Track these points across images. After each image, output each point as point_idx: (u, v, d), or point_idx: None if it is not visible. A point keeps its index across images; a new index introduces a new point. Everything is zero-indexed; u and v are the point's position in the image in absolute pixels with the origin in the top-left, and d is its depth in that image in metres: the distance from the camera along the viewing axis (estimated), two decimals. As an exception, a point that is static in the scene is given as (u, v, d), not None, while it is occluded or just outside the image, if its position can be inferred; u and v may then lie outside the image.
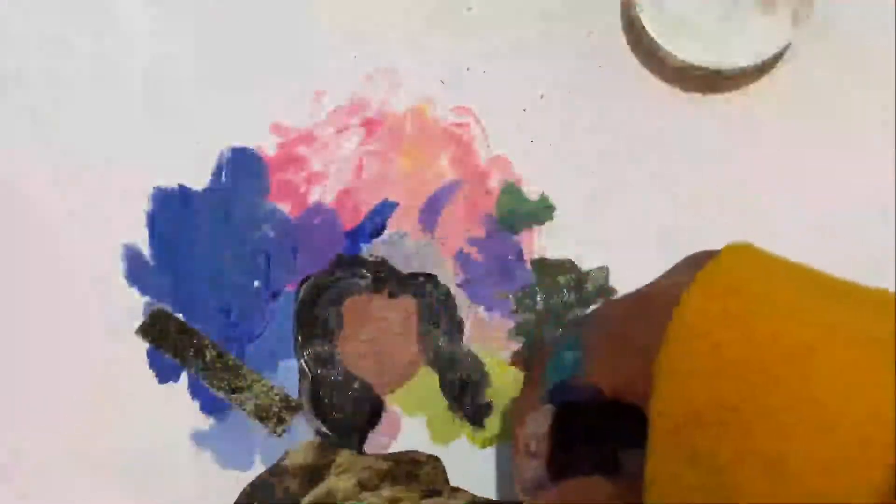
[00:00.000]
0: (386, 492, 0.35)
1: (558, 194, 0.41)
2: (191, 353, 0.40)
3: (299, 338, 0.39)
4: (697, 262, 0.28)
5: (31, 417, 0.38)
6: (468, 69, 0.42)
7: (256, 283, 0.40)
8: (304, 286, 0.40)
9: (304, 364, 0.39)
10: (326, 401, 0.39)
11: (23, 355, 0.40)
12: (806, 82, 0.42)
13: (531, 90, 0.42)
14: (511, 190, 0.41)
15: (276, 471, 0.37)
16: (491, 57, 0.42)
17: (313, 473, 0.36)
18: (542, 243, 0.41)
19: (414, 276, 0.40)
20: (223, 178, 0.41)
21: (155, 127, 0.42)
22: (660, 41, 0.40)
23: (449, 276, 0.40)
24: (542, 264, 0.40)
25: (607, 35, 0.42)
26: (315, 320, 0.40)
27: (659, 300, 0.27)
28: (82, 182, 0.41)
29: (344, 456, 0.37)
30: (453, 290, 0.40)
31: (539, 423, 0.32)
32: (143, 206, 0.41)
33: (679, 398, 0.25)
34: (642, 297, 0.30)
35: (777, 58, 0.41)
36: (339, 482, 0.36)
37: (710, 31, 0.40)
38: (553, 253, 0.41)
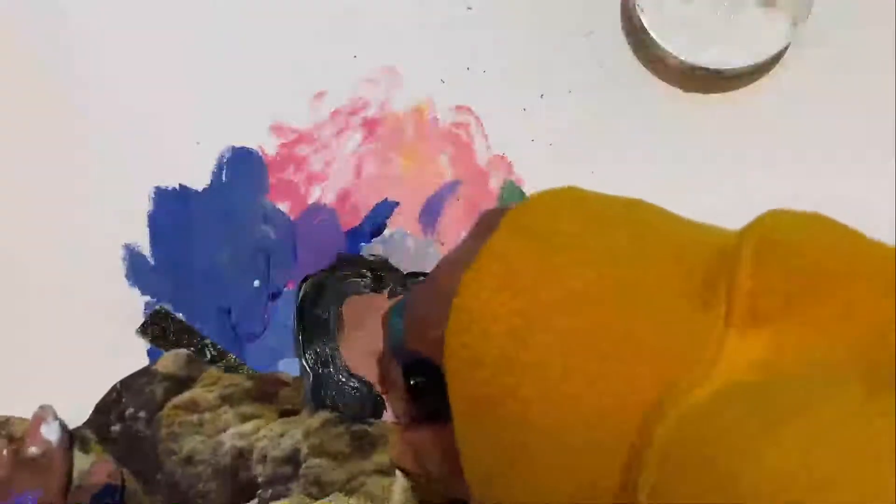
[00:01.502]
0: (246, 408, 0.37)
1: (558, 194, 0.41)
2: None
3: (299, 337, 0.39)
4: (481, 234, 0.28)
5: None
6: (468, 69, 0.42)
7: (256, 283, 0.40)
8: (305, 286, 0.40)
9: (304, 364, 0.39)
10: (327, 400, 0.39)
11: (23, 355, 0.39)
12: (806, 82, 0.42)
13: (531, 90, 0.42)
14: (511, 190, 0.41)
15: (146, 372, 0.38)
16: (491, 57, 0.42)
17: (181, 382, 0.38)
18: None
19: (414, 275, 0.40)
20: (223, 178, 0.41)
21: (155, 127, 0.42)
22: (660, 41, 0.40)
23: (449, 275, 0.40)
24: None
25: (607, 35, 0.42)
26: (315, 320, 0.40)
27: (444, 284, 0.28)
28: (82, 182, 0.41)
29: (211, 372, 0.38)
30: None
31: (397, 373, 0.37)
32: (144, 206, 0.41)
33: (460, 389, 0.26)
34: (434, 277, 0.31)
35: (777, 58, 0.41)
36: (203, 393, 0.37)
37: (710, 32, 0.40)
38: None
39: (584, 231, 0.26)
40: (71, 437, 0.37)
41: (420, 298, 0.32)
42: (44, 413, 0.37)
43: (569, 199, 0.28)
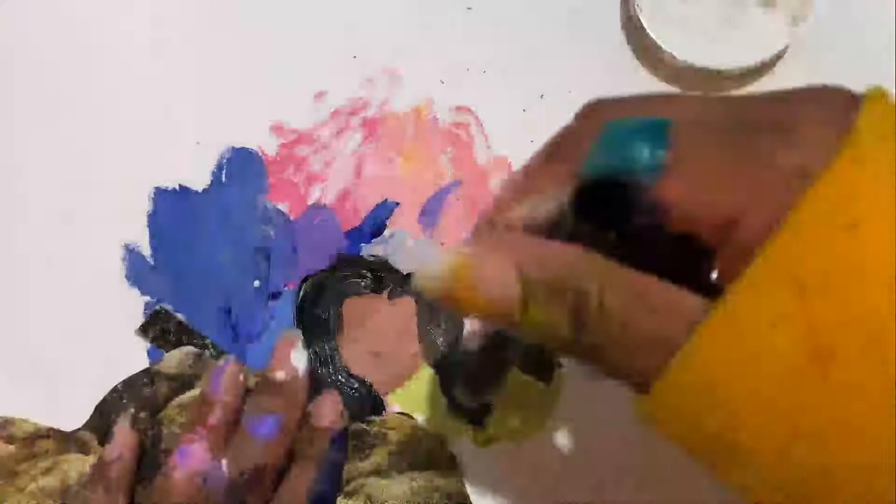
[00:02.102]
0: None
1: (558, 194, 0.41)
2: (191, 353, 0.40)
3: (299, 338, 0.40)
4: (837, 119, 0.20)
5: (32, 418, 0.38)
6: (468, 69, 0.42)
7: (256, 283, 0.40)
8: (305, 286, 0.40)
9: (304, 364, 0.39)
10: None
11: (23, 355, 0.39)
12: (806, 82, 0.42)
13: (531, 90, 0.42)
14: (511, 190, 0.41)
15: (148, 373, 0.38)
16: (491, 57, 0.42)
17: (183, 382, 0.38)
18: (542, 243, 0.41)
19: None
20: (223, 178, 0.41)
21: (155, 127, 0.42)
22: (660, 41, 0.40)
23: (449, 276, 0.40)
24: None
25: (607, 35, 0.42)
26: (315, 320, 0.40)
27: (801, 130, 0.20)
28: (82, 182, 0.41)
29: None
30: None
31: (547, 202, 0.22)
32: (143, 206, 0.41)
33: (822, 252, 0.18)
34: (772, 117, 0.21)
35: (777, 58, 0.41)
36: None
37: (711, 32, 0.40)
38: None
39: None
40: (313, 372, 0.35)
41: (733, 141, 0.21)
42: (293, 339, 0.34)
43: None
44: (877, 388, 0.18)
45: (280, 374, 0.33)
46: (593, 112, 0.24)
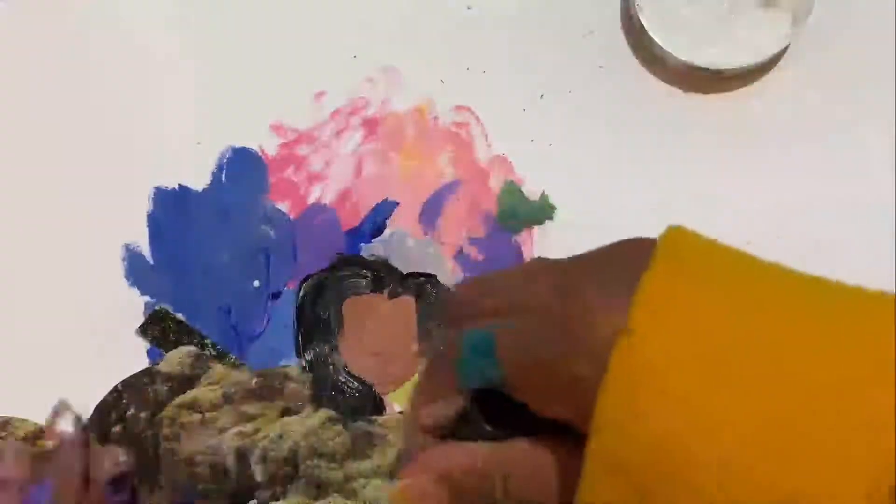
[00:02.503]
0: (248, 407, 0.37)
1: (558, 194, 0.41)
2: (191, 353, 0.40)
3: (299, 337, 0.39)
4: (629, 268, 0.24)
5: (32, 418, 0.38)
6: (468, 69, 0.42)
7: (256, 283, 0.40)
8: (305, 286, 0.40)
9: (304, 364, 0.39)
10: (327, 400, 0.39)
11: (23, 355, 0.39)
12: (806, 82, 0.42)
13: (531, 90, 0.42)
14: (511, 190, 0.41)
15: (148, 373, 0.38)
16: (491, 57, 0.42)
17: (184, 382, 0.37)
18: (542, 243, 0.41)
19: (414, 275, 0.40)
20: (223, 178, 0.41)
21: (155, 127, 0.42)
22: (660, 41, 0.40)
23: (449, 276, 0.40)
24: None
25: (607, 35, 0.42)
26: (315, 320, 0.40)
27: (583, 325, 0.23)
28: (82, 182, 0.41)
29: (216, 369, 0.38)
30: (453, 290, 0.40)
31: (448, 408, 0.28)
32: (143, 206, 0.41)
33: (629, 440, 0.22)
34: (564, 317, 0.24)
35: (777, 58, 0.41)
36: (206, 392, 0.37)
37: (711, 31, 0.40)
38: (553, 253, 0.40)
39: (749, 277, 0.23)
40: (86, 431, 0.37)
41: (538, 335, 0.25)
42: (60, 407, 0.37)
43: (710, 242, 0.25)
44: None
45: (49, 444, 0.36)
46: (457, 302, 0.29)
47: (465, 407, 0.27)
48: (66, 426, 0.36)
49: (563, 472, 0.25)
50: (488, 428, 0.27)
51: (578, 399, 0.23)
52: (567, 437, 0.24)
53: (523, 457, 0.26)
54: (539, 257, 0.37)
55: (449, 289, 0.32)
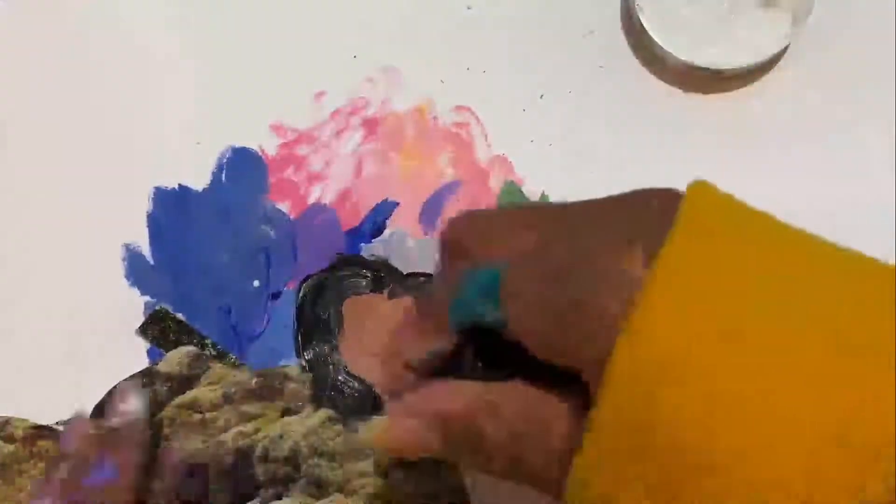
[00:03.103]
0: (248, 407, 0.37)
1: (558, 194, 0.41)
2: (191, 353, 0.40)
3: (299, 337, 0.39)
4: (651, 220, 0.23)
5: (32, 418, 0.38)
6: (468, 69, 0.42)
7: (256, 283, 0.40)
8: (305, 286, 0.40)
9: (304, 364, 0.39)
10: (326, 400, 0.39)
11: (23, 355, 0.39)
12: (806, 82, 0.42)
13: (531, 90, 0.42)
14: (511, 190, 0.41)
15: (148, 373, 0.38)
16: (491, 57, 0.42)
17: (184, 382, 0.37)
18: (542, 243, 0.41)
19: (414, 275, 0.40)
20: (223, 178, 0.41)
21: (155, 127, 0.42)
22: (660, 41, 0.40)
23: (449, 276, 0.40)
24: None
25: (607, 35, 0.42)
26: (315, 320, 0.40)
27: (607, 264, 0.22)
28: (82, 182, 0.41)
29: (216, 369, 0.38)
30: (453, 290, 0.40)
31: (436, 346, 0.26)
32: (143, 206, 0.41)
33: (642, 404, 0.21)
34: (589, 253, 0.23)
35: (777, 58, 0.41)
36: (206, 393, 0.37)
37: (710, 31, 0.40)
38: (553, 253, 0.41)
39: (778, 251, 0.22)
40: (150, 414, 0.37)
41: (550, 271, 0.23)
42: (127, 391, 0.36)
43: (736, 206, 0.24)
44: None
45: (114, 421, 0.35)
46: (454, 239, 0.27)
47: (454, 347, 0.25)
48: (132, 405, 0.36)
49: (561, 424, 0.23)
50: (480, 366, 0.25)
51: (592, 342, 0.21)
52: (566, 387, 0.23)
53: (519, 403, 0.24)
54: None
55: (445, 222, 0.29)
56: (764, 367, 0.20)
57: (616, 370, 0.21)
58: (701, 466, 0.20)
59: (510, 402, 0.24)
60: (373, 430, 0.27)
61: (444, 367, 0.26)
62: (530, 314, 0.23)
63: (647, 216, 0.23)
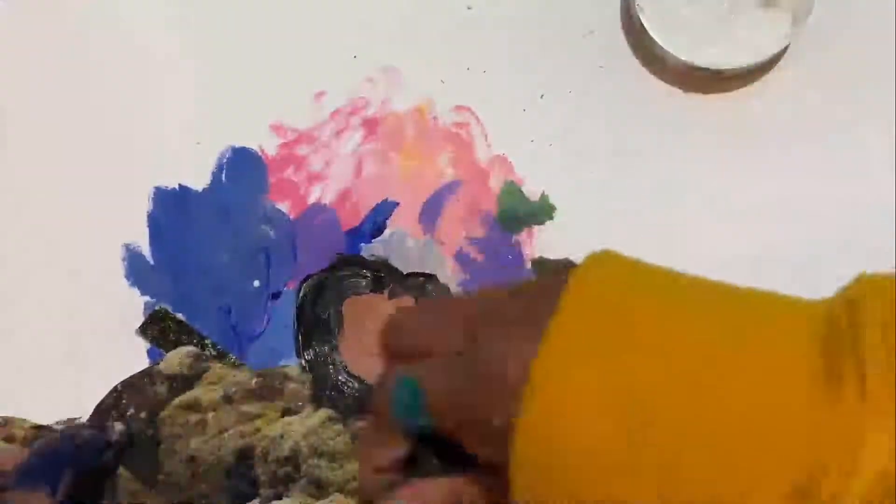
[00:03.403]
0: (248, 407, 0.37)
1: (558, 194, 0.41)
2: (191, 353, 0.40)
3: (299, 337, 0.39)
4: (539, 311, 0.24)
5: (32, 418, 0.38)
6: (468, 69, 0.42)
7: (256, 283, 0.40)
8: (305, 286, 0.40)
9: (304, 363, 0.39)
10: (326, 400, 0.39)
11: (23, 355, 0.39)
12: (806, 82, 0.42)
13: (531, 90, 0.42)
14: (511, 190, 0.41)
15: (148, 373, 0.38)
16: (491, 57, 0.42)
17: (184, 382, 0.38)
18: (542, 243, 0.41)
19: (414, 275, 0.40)
20: (223, 178, 0.41)
21: (155, 127, 0.42)
22: (660, 41, 0.40)
23: (449, 276, 0.40)
24: (542, 264, 0.40)
25: (607, 35, 0.42)
26: (315, 320, 0.40)
27: (494, 376, 0.23)
28: (82, 182, 0.41)
29: (216, 369, 0.38)
30: (453, 289, 0.40)
31: (396, 451, 0.28)
32: (143, 206, 0.41)
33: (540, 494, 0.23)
34: (476, 370, 0.24)
35: (777, 58, 0.41)
36: (206, 392, 0.37)
37: (710, 31, 0.40)
38: (553, 253, 0.41)
39: (668, 305, 0.23)
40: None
41: (457, 376, 0.25)
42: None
43: (631, 271, 0.25)
44: None
45: None
46: (384, 344, 0.29)
47: (412, 449, 0.27)
48: None
49: None
50: (436, 464, 0.28)
51: (497, 447, 0.23)
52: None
53: (479, 489, 0.27)
54: (538, 257, 0.37)
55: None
56: (653, 427, 0.21)
57: (516, 445, 0.22)
58: None
59: (473, 491, 0.27)
60: None
61: (411, 466, 0.28)
62: (447, 418, 0.25)
63: (542, 300, 0.25)
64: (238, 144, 0.41)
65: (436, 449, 0.28)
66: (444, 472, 0.27)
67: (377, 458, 0.28)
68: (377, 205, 0.41)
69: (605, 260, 0.25)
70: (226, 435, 0.37)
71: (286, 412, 0.37)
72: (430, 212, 0.41)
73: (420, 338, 0.28)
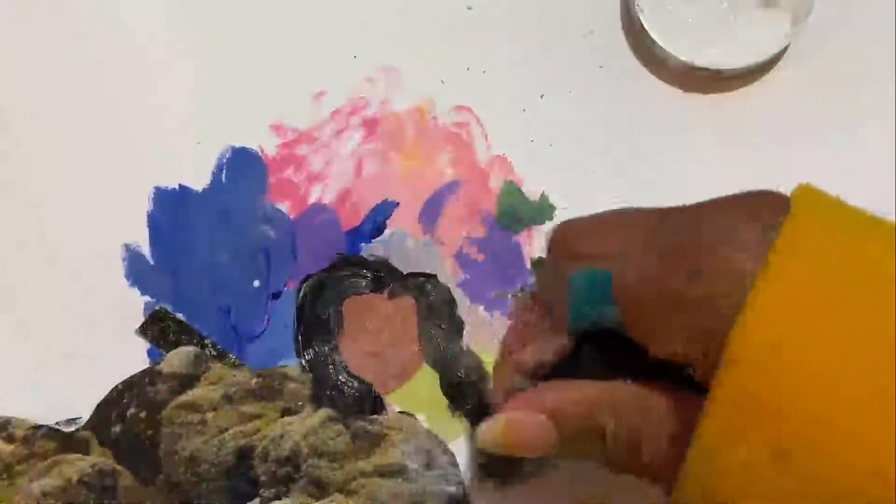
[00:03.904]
0: (248, 407, 0.37)
1: (558, 194, 0.41)
2: (191, 353, 0.40)
3: (299, 338, 0.40)
4: (765, 223, 0.24)
5: (32, 418, 0.38)
6: (468, 69, 0.42)
7: (256, 283, 0.40)
8: (305, 286, 0.40)
9: (304, 364, 0.39)
10: (326, 400, 0.39)
11: (23, 355, 0.39)
12: (806, 82, 0.42)
13: (531, 90, 0.42)
14: (511, 190, 0.41)
15: (149, 373, 0.38)
16: (491, 57, 0.42)
17: (184, 382, 0.37)
18: (542, 243, 0.41)
19: (414, 276, 0.40)
20: (223, 178, 0.41)
21: (155, 127, 0.42)
22: (660, 41, 0.40)
23: (449, 276, 0.40)
24: (542, 264, 0.40)
25: (607, 35, 0.42)
26: (315, 320, 0.40)
27: (718, 268, 0.23)
28: (82, 182, 0.41)
29: (217, 369, 0.38)
30: (453, 290, 0.40)
31: (545, 351, 0.28)
32: (143, 206, 0.41)
33: (763, 388, 0.21)
34: (693, 254, 0.24)
35: (777, 58, 0.41)
36: (206, 392, 0.37)
37: (710, 31, 0.40)
38: (553, 253, 0.41)
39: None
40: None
41: (652, 258, 0.24)
42: None
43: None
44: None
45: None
46: (559, 250, 0.28)
47: (569, 348, 0.26)
48: None
49: (674, 420, 0.24)
50: (595, 369, 0.26)
51: (708, 330, 0.22)
52: (679, 387, 0.24)
53: (633, 399, 0.25)
54: (538, 257, 0.37)
55: (555, 227, 0.31)
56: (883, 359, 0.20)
57: (736, 347, 0.21)
58: (819, 435, 0.20)
59: (626, 398, 0.26)
60: (493, 428, 0.28)
61: (558, 368, 0.27)
62: (645, 307, 0.24)
63: (761, 205, 0.25)
64: (238, 144, 0.41)
65: (592, 357, 0.27)
66: (596, 378, 0.26)
67: (532, 353, 0.27)
68: (377, 205, 0.41)
69: (814, 188, 0.25)
70: (226, 435, 0.37)
71: (286, 412, 0.37)
72: (430, 212, 0.41)
73: (602, 241, 0.27)
